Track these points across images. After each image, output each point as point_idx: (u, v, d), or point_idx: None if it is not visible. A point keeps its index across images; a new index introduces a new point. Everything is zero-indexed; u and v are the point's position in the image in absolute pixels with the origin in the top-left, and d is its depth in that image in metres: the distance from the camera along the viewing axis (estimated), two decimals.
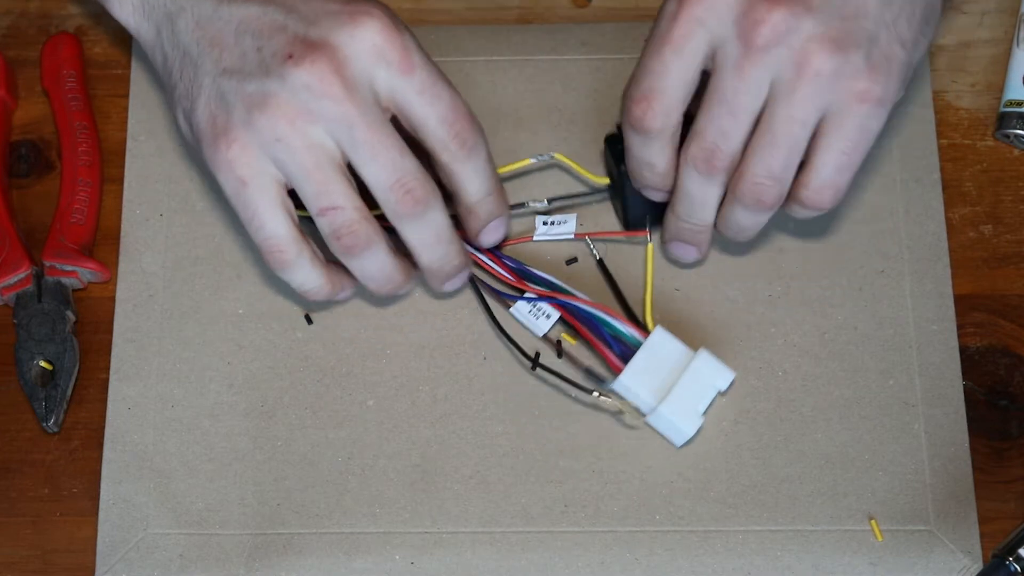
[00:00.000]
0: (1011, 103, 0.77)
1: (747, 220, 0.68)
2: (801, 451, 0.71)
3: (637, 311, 0.72)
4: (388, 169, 0.64)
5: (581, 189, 0.75)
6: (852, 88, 0.64)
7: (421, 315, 0.74)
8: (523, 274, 0.73)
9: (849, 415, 0.71)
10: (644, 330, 0.71)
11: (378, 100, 0.64)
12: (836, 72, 0.63)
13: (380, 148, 0.64)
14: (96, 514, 0.71)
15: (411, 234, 0.67)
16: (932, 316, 0.73)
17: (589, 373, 0.71)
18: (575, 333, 0.72)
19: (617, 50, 0.78)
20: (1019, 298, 0.74)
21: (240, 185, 0.65)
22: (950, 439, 0.71)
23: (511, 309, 0.73)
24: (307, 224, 0.67)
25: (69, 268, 0.74)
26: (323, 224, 0.65)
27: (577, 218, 0.75)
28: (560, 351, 0.72)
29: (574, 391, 0.71)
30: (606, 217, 0.75)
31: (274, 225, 0.65)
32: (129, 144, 0.77)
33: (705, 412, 0.70)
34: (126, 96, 0.78)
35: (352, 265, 0.67)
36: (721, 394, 0.71)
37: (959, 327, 0.73)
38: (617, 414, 0.71)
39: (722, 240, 0.72)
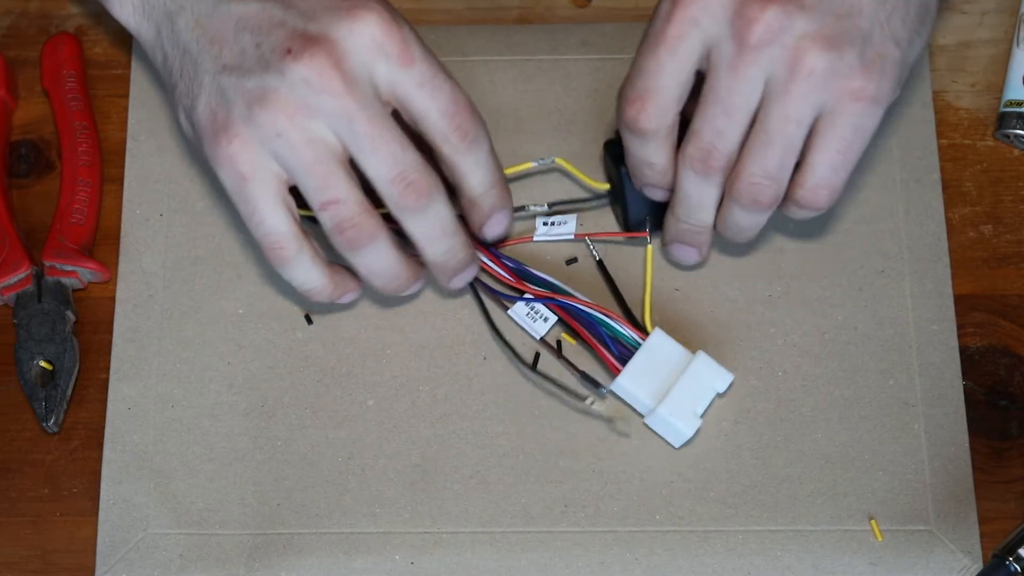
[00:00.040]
0: (1011, 103, 0.77)
1: (745, 220, 0.68)
2: (801, 451, 0.71)
3: (637, 312, 0.72)
4: (390, 162, 0.64)
5: (581, 194, 0.75)
6: (846, 86, 0.64)
7: (421, 315, 0.74)
8: (522, 275, 0.73)
9: (849, 415, 0.71)
10: (643, 332, 0.71)
11: (378, 93, 0.64)
12: (830, 70, 0.63)
13: (381, 141, 0.64)
14: (96, 514, 0.71)
15: (415, 228, 0.66)
16: (932, 316, 0.73)
17: (585, 376, 0.71)
18: (574, 334, 0.72)
19: (617, 50, 0.78)
20: (1019, 298, 0.74)
21: (240, 181, 0.65)
22: (950, 439, 0.71)
23: (509, 311, 0.73)
24: (311, 227, 0.67)
25: (69, 268, 0.74)
26: (325, 219, 0.65)
27: (577, 219, 0.75)
28: (560, 352, 0.72)
29: (568, 397, 0.71)
30: (606, 218, 0.75)
31: (274, 221, 0.65)
32: (129, 144, 0.77)
33: (703, 414, 0.70)
34: (126, 96, 0.78)
35: (356, 261, 0.67)
36: (719, 395, 0.71)
37: (959, 327, 0.73)
38: (608, 421, 0.71)
39: (722, 240, 0.72)
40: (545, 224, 0.74)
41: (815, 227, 0.75)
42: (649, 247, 0.72)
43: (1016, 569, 0.66)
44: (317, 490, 0.71)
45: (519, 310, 0.72)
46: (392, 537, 0.70)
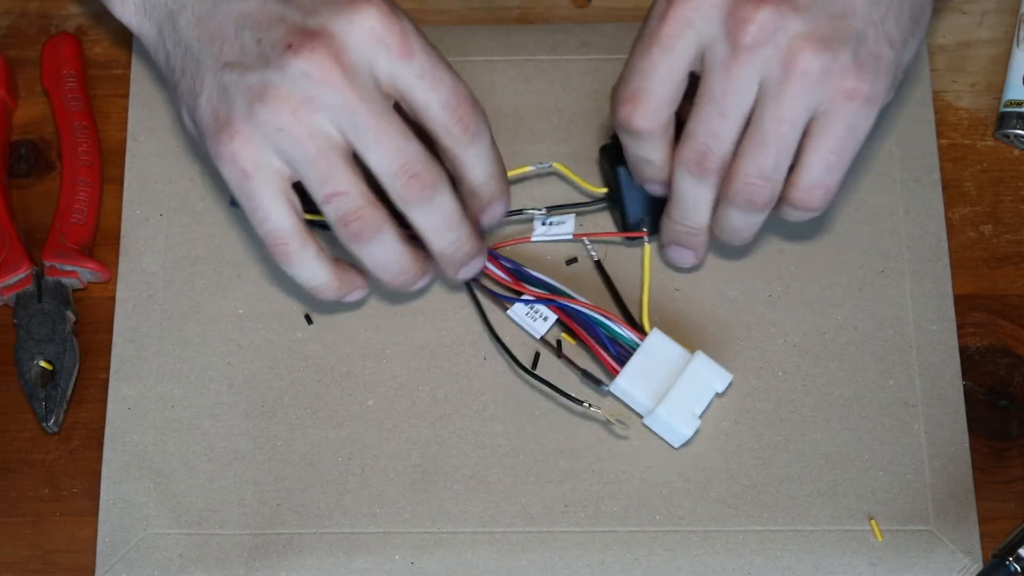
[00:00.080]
0: (1011, 103, 0.77)
1: (740, 222, 0.68)
2: (801, 451, 0.71)
3: (635, 313, 0.72)
4: (393, 154, 0.64)
5: (579, 198, 0.75)
6: (840, 87, 0.64)
7: (421, 315, 0.74)
8: (520, 275, 0.73)
9: (849, 415, 0.71)
10: (641, 332, 0.71)
11: (379, 86, 0.64)
12: (824, 71, 0.63)
13: (383, 134, 0.64)
14: (96, 514, 0.71)
15: (421, 220, 0.66)
16: (932, 316, 0.73)
17: (586, 375, 0.71)
18: (572, 335, 0.72)
19: (617, 50, 0.78)
20: (1019, 298, 0.74)
21: (243, 177, 0.65)
22: (950, 439, 0.71)
23: (508, 311, 0.73)
24: (321, 234, 0.67)
25: (69, 268, 0.74)
26: (329, 212, 0.65)
27: (576, 219, 0.75)
28: (560, 352, 0.72)
29: (566, 401, 0.71)
30: (605, 218, 0.75)
31: (278, 217, 0.65)
32: (129, 144, 0.77)
33: (702, 414, 0.70)
34: (126, 96, 0.78)
35: (362, 254, 0.67)
36: (719, 395, 0.71)
37: (959, 327, 0.73)
38: (606, 424, 0.71)
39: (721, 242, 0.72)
40: (544, 224, 0.74)
41: (815, 227, 0.75)
42: (647, 247, 0.72)
43: (1016, 569, 0.66)
44: (317, 490, 0.71)
45: (518, 310, 0.72)
46: (392, 537, 0.70)
